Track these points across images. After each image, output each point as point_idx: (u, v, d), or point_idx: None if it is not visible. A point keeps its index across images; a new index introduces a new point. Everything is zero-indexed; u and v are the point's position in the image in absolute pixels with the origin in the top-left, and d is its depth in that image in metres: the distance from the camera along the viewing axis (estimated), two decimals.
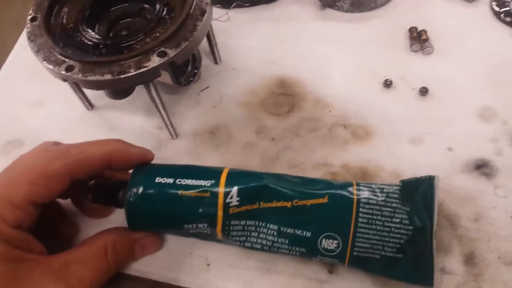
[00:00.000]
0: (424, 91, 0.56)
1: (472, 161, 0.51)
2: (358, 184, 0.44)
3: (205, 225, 0.43)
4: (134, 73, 0.45)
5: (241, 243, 0.44)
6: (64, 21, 0.52)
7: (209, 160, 0.54)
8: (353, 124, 0.55)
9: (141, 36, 0.50)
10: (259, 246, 0.44)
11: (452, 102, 0.55)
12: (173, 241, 0.48)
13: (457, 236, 0.46)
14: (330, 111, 0.56)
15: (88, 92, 0.58)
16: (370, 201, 0.43)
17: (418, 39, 0.60)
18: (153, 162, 0.49)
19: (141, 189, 0.44)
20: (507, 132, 0.52)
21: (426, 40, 0.60)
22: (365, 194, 0.43)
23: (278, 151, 0.54)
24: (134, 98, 0.57)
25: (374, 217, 0.42)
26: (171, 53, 0.47)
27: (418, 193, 0.44)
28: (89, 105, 0.59)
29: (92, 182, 0.46)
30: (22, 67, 0.65)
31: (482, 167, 0.50)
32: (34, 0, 0.53)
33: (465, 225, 0.47)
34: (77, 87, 0.56)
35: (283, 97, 0.58)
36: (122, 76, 0.45)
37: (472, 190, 0.49)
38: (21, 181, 0.40)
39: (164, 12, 0.51)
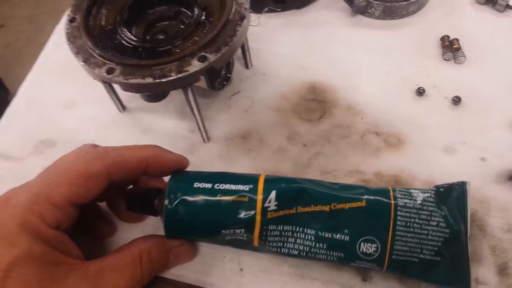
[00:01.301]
0: (457, 100, 0.56)
1: (505, 171, 0.51)
2: (394, 190, 0.45)
3: (242, 230, 0.44)
4: (175, 77, 0.46)
5: (278, 249, 0.44)
6: (103, 22, 0.53)
7: (241, 164, 0.54)
8: (385, 132, 0.55)
9: (180, 40, 0.50)
10: (296, 252, 0.44)
11: (485, 112, 0.55)
12: (206, 245, 0.49)
13: (490, 247, 0.46)
14: (362, 118, 0.57)
15: (121, 93, 0.58)
16: (407, 205, 0.43)
17: (450, 47, 0.60)
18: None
19: (179, 195, 0.44)
20: None
21: (459, 49, 0.60)
22: (402, 198, 0.44)
23: (310, 157, 0.54)
24: (166, 101, 0.57)
25: (412, 220, 0.43)
26: (212, 58, 0.47)
27: (452, 197, 0.45)
28: (122, 107, 0.60)
29: (127, 190, 0.47)
30: (53, 67, 0.65)
31: None
32: (72, 0, 0.54)
33: (498, 235, 0.47)
34: (111, 88, 0.57)
35: (315, 103, 0.59)
36: (163, 80, 0.46)
37: (505, 201, 0.49)
38: (62, 181, 0.41)
39: (203, 17, 0.52)
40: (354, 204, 0.43)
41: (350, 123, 0.56)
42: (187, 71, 0.46)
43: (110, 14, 0.54)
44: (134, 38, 0.51)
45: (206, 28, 0.51)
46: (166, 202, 0.44)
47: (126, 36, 0.52)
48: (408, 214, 0.43)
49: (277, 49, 0.64)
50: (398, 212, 0.43)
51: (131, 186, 0.49)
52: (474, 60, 0.60)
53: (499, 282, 0.45)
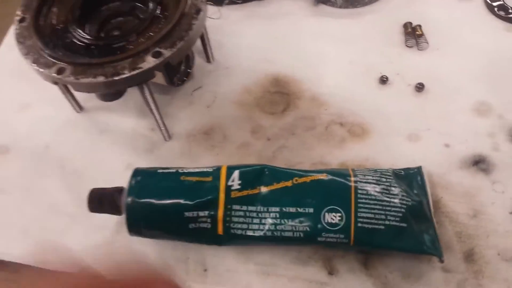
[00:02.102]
0: (420, 87, 0.55)
1: (469, 157, 0.51)
2: (353, 170, 0.46)
3: (206, 212, 0.43)
4: (128, 74, 0.44)
5: (243, 231, 0.43)
6: (54, 21, 0.51)
7: (204, 161, 0.53)
8: (349, 122, 0.54)
9: (135, 36, 0.49)
10: (262, 233, 0.43)
11: (448, 98, 0.55)
12: (168, 247, 0.47)
13: (456, 233, 0.46)
14: (326, 109, 0.56)
15: (77, 93, 0.56)
16: (366, 176, 0.45)
17: (413, 34, 0.60)
18: (146, 164, 0.48)
19: (140, 179, 0.44)
20: (504, 126, 0.52)
21: (421, 35, 0.59)
22: (360, 171, 0.46)
23: (274, 151, 0.53)
24: (125, 99, 0.55)
25: (372, 188, 0.44)
26: (167, 53, 0.45)
27: (409, 177, 0.47)
28: (78, 107, 0.58)
29: (90, 190, 0.45)
30: (7, 69, 0.63)
31: (479, 163, 0.50)
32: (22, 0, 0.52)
33: (464, 221, 0.47)
34: (66, 89, 0.55)
35: (278, 96, 0.58)
36: (116, 78, 0.44)
37: (470, 186, 0.49)
38: None
39: (158, 11, 0.50)
40: (316, 177, 0.44)
41: (315, 115, 0.55)
42: (140, 68, 0.45)
43: (61, 13, 0.52)
44: (87, 36, 0.50)
45: (162, 23, 0.49)
46: (128, 192, 0.43)
47: (78, 34, 0.50)
48: (368, 184, 0.44)
49: (240, 41, 0.63)
50: (359, 182, 0.44)
51: (93, 187, 0.47)
52: (436, 46, 0.59)
53: (466, 268, 0.44)
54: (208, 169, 0.46)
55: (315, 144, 0.53)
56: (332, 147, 0.53)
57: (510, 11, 0.61)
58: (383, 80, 0.56)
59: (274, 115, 0.56)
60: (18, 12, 0.51)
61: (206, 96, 0.58)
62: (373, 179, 0.45)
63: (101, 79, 0.45)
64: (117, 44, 0.49)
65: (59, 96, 0.55)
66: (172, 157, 0.54)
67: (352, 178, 0.44)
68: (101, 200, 0.45)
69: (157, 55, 0.45)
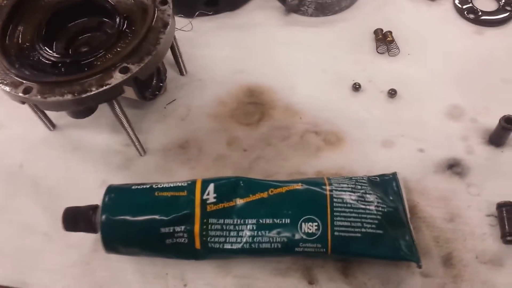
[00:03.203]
0: (392, 93, 0.56)
1: (444, 161, 0.51)
2: (328, 179, 0.46)
3: (183, 227, 0.42)
4: (96, 91, 0.44)
5: (221, 245, 0.43)
6: (20, 40, 0.50)
7: (180, 175, 0.52)
8: (324, 131, 0.54)
9: (102, 52, 0.48)
10: (239, 246, 0.43)
11: (421, 103, 0.55)
12: (147, 263, 0.47)
13: (434, 238, 0.46)
14: (300, 118, 0.56)
15: (49, 111, 0.55)
16: (342, 185, 0.45)
17: (384, 40, 0.60)
18: (121, 180, 0.47)
19: (114, 196, 0.44)
20: (477, 129, 0.53)
21: (392, 41, 0.60)
22: (335, 180, 0.46)
23: (251, 162, 0.53)
24: (97, 115, 0.54)
25: (348, 196, 0.44)
26: (134, 68, 0.45)
27: (384, 184, 0.47)
28: (51, 125, 0.57)
29: (64, 210, 0.44)
30: None
31: (454, 167, 0.50)
32: None
33: (441, 225, 0.47)
34: (37, 107, 0.53)
35: (253, 106, 0.57)
36: (83, 96, 0.44)
37: (445, 190, 0.49)
38: None
39: (125, 26, 0.50)
40: (291, 187, 0.44)
41: (289, 124, 0.55)
42: (108, 84, 0.44)
43: (27, 31, 0.51)
44: (54, 54, 0.49)
45: (129, 38, 0.49)
46: (102, 210, 0.43)
47: (45, 52, 0.49)
48: (343, 192, 0.44)
49: (212, 53, 0.62)
50: (334, 191, 0.44)
51: (67, 206, 0.46)
52: (408, 52, 0.60)
53: (445, 273, 0.44)
54: (182, 184, 0.45)
55: (291, 154, 0.53)
56: (308, 156, 0.53)
57: (479, 14, 0.62)
58: (356, 88, 0.57)
59: (249, 126, 0.56)
60: None
61: (180, 110, 0.58)
62: (348, 187, 0.45)
63: (68, 97, 0.44)
64: (84, 60, 0.48)
65: (31, 115, 0.54)
66: (147, 172, 0.53)
67: (328, 187, 0.44)
68: (76, 219, 0.45)
69: (124, 70, 0.45)
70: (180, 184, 0.45)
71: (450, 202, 0.48)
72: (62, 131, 0.57)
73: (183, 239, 0.43)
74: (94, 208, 0.45)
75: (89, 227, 0.44)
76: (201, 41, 0.63)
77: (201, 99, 0.58)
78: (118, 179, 0.50)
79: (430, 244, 0.46)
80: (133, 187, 0.45)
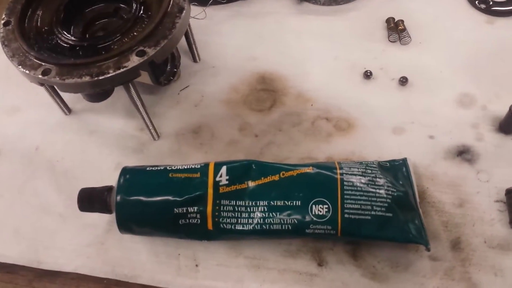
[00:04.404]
0: (403, 81, 0.56)
1: (453, 147, 0.51)
2: (339, 163, 0.47)
3: (195, 208, 0.44)
4: (113, 74, 0.45)
5: (232, 226, 0.44)
6: (39, 24, 0.51)
7: (193, 159, 0.53)
8: (335, 117, 0.55)
9: (118, 36, 0.49)
10: (250, 227, 0.44)
11: (432, 91, 0.56)
12: (160, 244, 0.48)
13: (443, 223, 0.47)
14: (312, 105, 0.56)
15: (66, 96, 0.57)
16: (352, 169, 0.45)
17: (395, 29, 0.61)
18: (135, 163, 0.48)
19: (128, 177, 0.45)
20: (487, 117, 0.53)
21: (403, 30, 0.60)
22: (346, 164, 0.46)
23: (262, 147, 0.54)
24: (113, 100, 0.56)
25: (358, 180, 0.44)
26: (151, 52, 0.46)
27: (394, 170, 0.47)
28: (67, 109, 0.58)
29: (79, 190, 0.46)
30: None
31: (464, 153, 0.51)
32: (6, 3, 0.52)
33: (450, 211, 0.47)
34: (53, 91, 0.55)
35: (265, 93, 0.58)
36: (101, 78, 0.45)
37: (455, 177, 0.49)
38: None
39: (141, 11, 0.51)
40: (302, 170, 0.45)
41: (301, 111, 0.56)
42: (125, 66, 0.45)
43: (46, 15, 0.52)
44: (72, 38, 0.50)
45: (145, 23, 0.50)
46: (117, 190, 0.44)
47: (63, 36, 0.50)
48: (353, 176, 0.44)
49: (226, 41, 0.63)
50: (344, 174, 0.44)
51: (82, 187, 0.47)
52: (419, 40, 0.60)
53: (453, 257, 0.45)
54: (196, 166, 0.46)
55: (302, 139, 0.54)
56: (319, 141, 0.53)
57: (490, 3, 0.62)
58: (367, 75, 0.57)
59: (261, 112, 0.57)
60: (3, 16, 0.51)
61: (194, 95, 0.59)
62: (359, 171, 0.45)
63: (86, 79, 0.45)
64: (101, 44, 0.49)
65: (48, 99, 0.56)
66: (161, 156, 0.54)
67: (338, 171, 0.45)
68: (91, 199, 0.46)
69: (141, 54, 0.46)
70: (193, 166, 0.46)
71: (459, 188, 0.49)
72: (78, 115, 0.59)
73: (196, 219, 0.44)
74: (109, 189, 0.46)
75: (104, 208, 0.46)
76: (214, 29, 0.64)
77: (214, 85, 0.59)
78: (133, 162, 0.51)
79: (439, 228, 0.46)
80: (147, 169, 0.46)
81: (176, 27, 0.48)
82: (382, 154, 0.51)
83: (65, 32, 0.50)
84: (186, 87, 0.59)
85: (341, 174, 0.45)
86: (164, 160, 0.54)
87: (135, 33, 0.49)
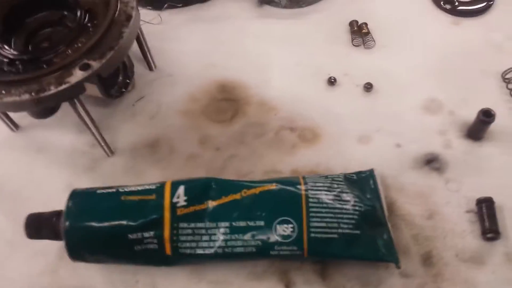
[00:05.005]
0: (368, 87, 0.54)
1: (421, 156, 0.49)
2: (303, 177, 0.44)
3: (152, 233, 0.40)
4: (55, 90, 0.41)
5: (192, 251, 0.41)
6: None
7: (150, 177, 0.50)
8: (300, 127, 0.52)
9: (62, 47, 0.45)
10: (212, 251, 0.41)
11: (397, 96, 0.54)
12: (116, 271, 0.44)
13: (413, 236, 0.45)
14: (275, 114, 0.54)
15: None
16: (317, 184, 0.43)
17: (359, 33, 0.58)
18: (88, 183, 0.45)
19: (78, 201, 0.42)
20: (455, 123, 0.52)
21: (367, 33, 0.58)
22: (311, 179, 0.44)
23: (224, 161, 0.51)
24: (62, 114, 0.52)
25: (324, 196, 0.42)
26: (95, 65, 0.42)
27: (361, 181, 0.45)
28: (14, 125, 0.54)
29: (26, 217, 0.42)
30: None
31: (432, 162, 0.49)
32: None
33: (420, 223, 0.46)
34: None
35: (226, 103, 0.55)
36: (42, 95, 0.41)
37: (424, 187, 0.48)
38: None
39: (86, 20, 0.47)
40: (265, 187, 0.43)
41: (264, 121, 0.53)
42: (68, 82, 0.41)
43: None
44: (11, 51, 0.46)
45: (90, 32, 0.46)
46: (66, 217, 0.41)
47: (2, 49, 0.46)
48: (318, 192, 0.42)
49: (183, 47, 0.60)
50: (309, 190, 0.42)
51: (29, 213, 0.44)
52: (384, 44, 0.58)
53: (425, 272, 0.43)
54: (151, 186, 0.43)
55: (266, 151, 0.51)
56: (283, 153, 0.51)
57: (456, 4, 0.60)
58: (331, 82, 0.55)
59: (222, 123, 0.54)
60: None
61: (150, 107, 0.55)
62: (324, 186, 0.43)
63: (26, 97, 0.41)
64: (43, 57, 0.45)
65: None
66: (115, 174, 0.51)
67: (303, 186, 0.43)
68: (39, 226, 0.42)
69: (85, 67, 0.42)
70: (148, 187, 0.43)
71: (428, 199, 0.47)
72: (25, 132, 0.54)
73: (153, 245, 0.41)
74: (57, 214, 0.42)
75: (54, 234, 0.42)
76: (170, 35, 0.61)
77: (171, 95, 0.56)
78: (85, 182, 0.47)
79: (409, 242, 0.44)
80: (98, 191, 0.43)
81: (124, 37, 0.44)
82: (348, 164, 0.49)
83: (4, 46, 0.46)
84: (141, 98, 0.56)
85: (306, 190, 0.42)
86: (120, 178, 0.50)
87: (79, 44, 0.45)
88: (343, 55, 0.58)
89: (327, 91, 0.55)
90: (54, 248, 0.46)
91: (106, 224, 0.41)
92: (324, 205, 0.41)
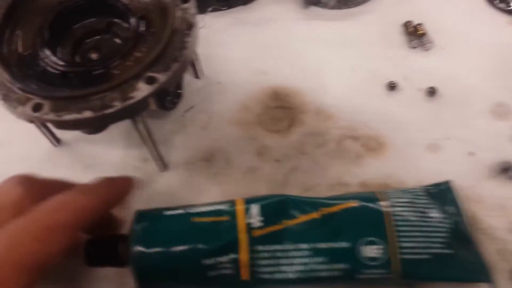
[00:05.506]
0: (431, 91, 0.51)
1: (496, 164, 0.47)
2: (380, 192, 0.41)
3: (227, 257, 0.38)
4: (120, 106, 0.38)
5: (271, 276, 0.38)
6: (20, 47, 0.44)
7: (208, 192, 0.47)
8: (362, 135, 0.50)
9: (118, 59, 0.42)
10: (293, 276, 0.38)
11: (463, 101, 0.51)
12: None
13: (497, 251, 0.42)
14: (334, 123, 0.51)
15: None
16: (400, 200, 0.40)
17: (415, 34, 0.56)
18: (143, 200, 0.44)
19: (147, 225, 0.39)
20: None
21: (424, 34, 0.55)
22: (392, 195, 0.41)
23: (286, 174, 0.48)
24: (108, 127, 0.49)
25: (409, 213, 0.39)
26: (161, 78, 0.39)
27: (441, 194, 0.43)
28: (55, 140, 0.51)
29: (84, 242, 0.39)
30: None
31: (508, 171, 0.46)
32: None
33: (503, 237, 0.43)
34: (42, 123, 0.47)
35: (280, 111, 0.52)
36: (106, 112, 0.38)
37: (502, 197, 0.45)
38: (28, 238, 0.33)
39: (142, 27, 0.44)
40: (346, 205, 0.40)
41: (323, 129, 0.50)
42: (132, 97, 0.38)
43: (27, 36, 0.44)
44: (61, 62, 0.42)
45: (148, 42, 0.43)
46: (133, 230, 0.38)
47: (51, 60, 0.42)
48: (403, 208, 0.39)
49: (229, 52, 0.57)
50: (393, 207, 0.39)
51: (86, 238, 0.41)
52: (442, 45, 0.55)
53: None
54: (221, 206, 0.40)
55: (329, 162, 0.48)
56: (349, 164, 0.48)
57: (510, 4, 0.58)
58: (392, 86, 0.52)
59: (279, 133, 0.51)
60: None
61: (200, 117, 0.52)
62: (407, 202, 0.40)
63: (87, 114, 0.38)
64: (98, 70, 0.42)
65: (31, 129, 0.48)
66: (171, 190, 0.48)
67: (383, 203, 0.40)
68: (100, 253, 0.39)
69: (150, 81, 0.39)
70: (218, 207, 0.40)
71: (509, 211, 0.44)
72: (69, 147, 0.51)
73: (228, 270, 0.38)
74: (120, 238, 0.39)
75: (117, 261, 0.39)
76: (215, 40, 0.58)
77: (222, 104, 0.53)
78: (139, 200, 0.44)
79: (494, 258, 0.42)
80: (165, 213, 0.40)
81: (187, 47, 0.41)
82: (420, 175, 0.46)
83: (52, 56, 0.43)
84: (191, 107, 0.53)
85: (389, 206, 0.39)
86: (176, 195, 0.47)
87: (138, 55, 0.42)
88: (400, 58, 0.55)
89: (388, 97, 0.52)
90: (112, 273, 0.43)
91: (178, 248, 0.38)
92: (411, 223, 0.39)
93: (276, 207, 0.39)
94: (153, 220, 0.39)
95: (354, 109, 0.51)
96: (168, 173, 0.49)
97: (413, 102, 0.52)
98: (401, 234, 0.38)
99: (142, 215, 0.40)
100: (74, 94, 0.39)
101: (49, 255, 0.34)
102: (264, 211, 0.39)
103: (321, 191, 0.47)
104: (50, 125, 0.48)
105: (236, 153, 0.50)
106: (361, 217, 0.39)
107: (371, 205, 0.40)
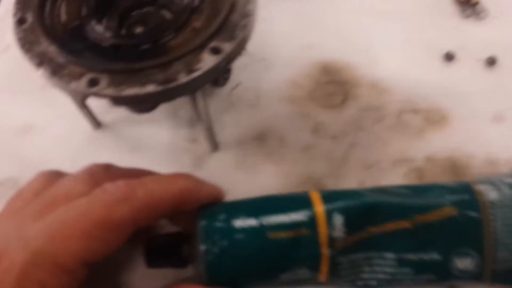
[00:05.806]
0: (491, 61, 0.49)
1: None
2: (476, 182, 0.37)
3: (306, 270, 0.34)
4: (186, 79, 0.35)
5: (351, 282, 0.35)
6: (64, 18, 0.40)
7: (265, 172, 0.45)
8: (423, 108, 0.47)
9: (173, 31, 0.39)
10: (375, 283, 0.35)
11: None
12: None
13: None
14: (391, 96, 0.48)
15: (94, 106, 0.46)
16: (504, 200, 0.35)
17: (467, 2, 0.53)
18: None
19: (219, 242, 0.34)
20: None
21: (477, 3, 0.53)
22: (491, 193, 0.36)
23: (345, 151, 0.45)
24: None
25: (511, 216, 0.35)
26: (227, 47, 0.36)
27: None
28: (96, 122, 0.48)
29: (145, 241, 0.36)
30: None
31: None
32: None
33: None
34: (83, 103, 0.44)
35: (333, 86, 0.50)
36: (169, 86, 0.35)
37: None
38: (72, 234, 0.30)
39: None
40: (444, 214, 0.35)
41: (380, 103, 0.48)
42: (198, 69, 0.35)
43: (71, 7, 0.41)
44: (112, 34, 0.39)
45: (204, 11, 0.40)
46: (204, 247, 0.34)
47: (100, 33, 0.39)
48: (505, 212, 0.35)
49: (271, 27, 0.54)
50: (496, 210, 0.35)
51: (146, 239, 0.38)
52: (496, 14, 0.53)
53: None
54: (299, 217, 0.35)
55: (389, 137, 0.46)
56: (411, 139, 0.46)
57: None
58: (450, 57, 0.50)
59: (333, 108, 0.48)
60: (14, 11, 0.40)
61: (248, 94, 0.49)
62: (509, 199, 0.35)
63: (150, 88, 0.35)
64: (153, 42, 0.38)
65: (69, 111, 0.45)
66: (224, 171, 0.45)
67: (482, 200, 0.35)
68: (163, 252, 0.36)
69: (216, 51, 0.36)
70: (296, 218, 0.34)
71: None
72: (111, 129, 0.48)
73: (306, 275, 0.35)
74: (181, 238, 0.36)
75: (178, 262, 0.36)
76: (256, 14, 0.54)
77: (269, 81, 0.50)
78: None
79: None
80: (236, 225, 0.34)
81: (251, 14, 0.38)
82: (488, 149, 0.44)
83: (102, 27, 0.39)
84: (238, 85, 0.50)
85: (491, 208, 0.35)
86: (231, 176, 0.44)
87: (196, 25, 0.39)
88: (454, 28, 0.52)
89: (445, 68, 0.50)
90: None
91: (252, 265, 0.34)
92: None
93: (361, 214, 0.35)
94: (224, 236, 0.34)
95: (411, 82, 0.49)
96: (219, 153, 0.46)
97: (472, 73, 0.49)
98: (500, 243, 0.34)
99: (208, 228, 0.35)
100: (134, 67, 0.36)
101: (95, 253, 0.30)
102: (348, 223, 0.34)
103: (385, 168, 0.44)
104: (92, 107, 0.45)
105: (289, 131, 0.47)
106: (459, 226, 0.35)
107: (472, 214, 0.35)
